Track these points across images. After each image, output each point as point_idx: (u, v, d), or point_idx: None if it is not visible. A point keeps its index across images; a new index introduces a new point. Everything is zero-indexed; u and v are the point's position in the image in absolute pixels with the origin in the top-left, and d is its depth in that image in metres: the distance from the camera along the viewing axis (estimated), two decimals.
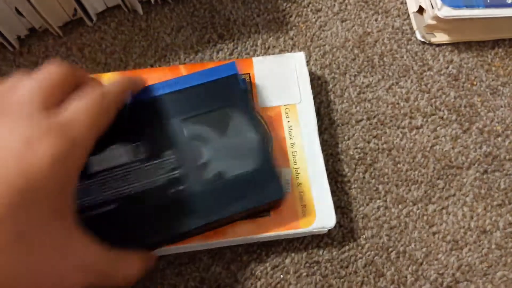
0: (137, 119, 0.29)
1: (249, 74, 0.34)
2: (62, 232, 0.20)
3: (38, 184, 0.19)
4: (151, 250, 0.28)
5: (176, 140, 0.29)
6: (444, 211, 0.33)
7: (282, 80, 0.34)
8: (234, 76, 0.31)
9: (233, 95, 0.30)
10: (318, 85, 0.37)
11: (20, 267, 0.18)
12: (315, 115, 0.33)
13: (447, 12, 0.35)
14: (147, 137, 0.29)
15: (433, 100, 0.37)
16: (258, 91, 0.34)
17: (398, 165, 0.35)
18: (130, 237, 0.26)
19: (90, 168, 0.28)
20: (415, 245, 0.32)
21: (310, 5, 0.40)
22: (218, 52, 0.38)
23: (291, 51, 0.38)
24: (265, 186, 0.28)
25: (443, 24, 0.37)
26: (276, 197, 0.28)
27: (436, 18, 0.36)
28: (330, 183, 0.34)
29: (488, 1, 0.36)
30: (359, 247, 0.32)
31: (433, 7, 0.36)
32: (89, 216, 0.26)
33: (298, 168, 0.32)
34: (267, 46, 0.38)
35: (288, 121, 0.33)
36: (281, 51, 0.38)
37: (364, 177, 0.34)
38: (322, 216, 0.30)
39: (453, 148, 0.35)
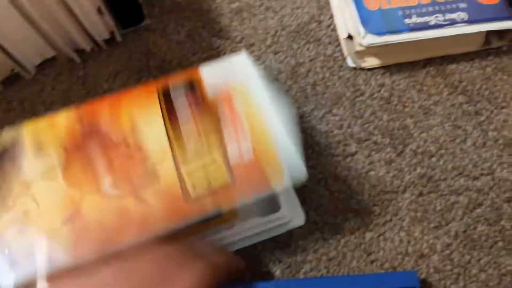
0: None
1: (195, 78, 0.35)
2: None
3: None
4: None
5: None
6: (381, 237, 0.34)
7: (228, 72, 0.35)
8: None
9: None
10: None
11: None
12: (265, 87, 0.33)
13: (371, 39, 0.36)
14: None
15: (366, 125, 0.37)
16: (206, 84, 0.34)
17: (335, 195, 0.35)
18: None
19: None
20: None
21: (244, 40, 0.40)
22: None
23: None
24: None
25: (371, 49, 0.37)
26: None
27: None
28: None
29: (412, 25, 0.37)
30: None
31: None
32: None
33: (259, 135, 0.32)
34: None
35: (240, 100, 0.33)
36: None
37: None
38: (291, 171, 0.30)
39: (387, 172, 0.35)
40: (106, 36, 0.39)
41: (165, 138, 0.32)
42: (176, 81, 0.35)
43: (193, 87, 0.35)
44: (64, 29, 0.36)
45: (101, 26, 0.38)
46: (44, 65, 0.40)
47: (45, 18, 0.35)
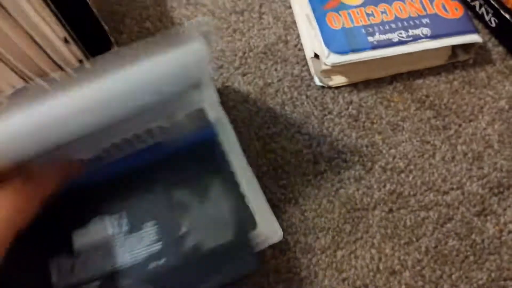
0: (118, 190, 0.30)
1: None
2: None
3: None
4: None
5: (157, 210, 0.29)
6: (352, 255, 0.33)
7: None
8: (213, 139, 0.32)
9: (214, 161, 0.31)
10: None
11: None
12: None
13: (334, 59, 0.36)
14: (129, 209, 0.29)
15: (335, 144, 0.37)
16: None
17: (305, 214, 0.35)
18: None
19: (74, 244, 0.28)
20: None
21: (211, 63, 0.41)
22: None
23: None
24: (241, 258, 0.28)
25: (338, 68, 0.38)
26: (252, 268, 0.29)
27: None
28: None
29: (375, 42, 0.37)
30: None
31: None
32: None
33: None
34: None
35: None
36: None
37: None
38: (265, 227, 0.31)
39: (357, 189, 0.35)
40: (75, 65, 0.40)
41: None
42: None
43: None
44: (31, 60, 0.37)
45: (68, 55, 0.38)
46: (15, 96, 0.40)
47: (11, 51, 0.35)
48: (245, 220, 0.30)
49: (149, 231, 0.29)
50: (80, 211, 0.29)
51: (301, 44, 0.41)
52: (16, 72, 0.37)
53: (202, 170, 0.31)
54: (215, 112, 0.35)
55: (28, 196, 0.26)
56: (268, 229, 0.32)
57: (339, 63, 0.36)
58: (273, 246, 0.34)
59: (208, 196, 0.30)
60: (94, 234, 0.28)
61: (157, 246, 0.28)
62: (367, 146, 0.37)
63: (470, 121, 0.38)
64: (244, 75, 0.40)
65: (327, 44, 0.37)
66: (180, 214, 0.29)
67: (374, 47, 0.37)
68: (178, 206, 0.29)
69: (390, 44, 0.37)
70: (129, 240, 0.28)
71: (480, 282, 0.32)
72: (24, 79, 0.39)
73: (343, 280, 0.33)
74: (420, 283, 0.32)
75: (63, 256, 0.28)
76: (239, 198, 0.30)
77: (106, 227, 0.29)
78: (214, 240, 0.28)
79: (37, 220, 0.24)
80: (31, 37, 0.34)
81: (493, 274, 0.33)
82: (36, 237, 0.27)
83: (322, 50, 0.37)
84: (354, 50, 0.37)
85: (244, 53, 0.41)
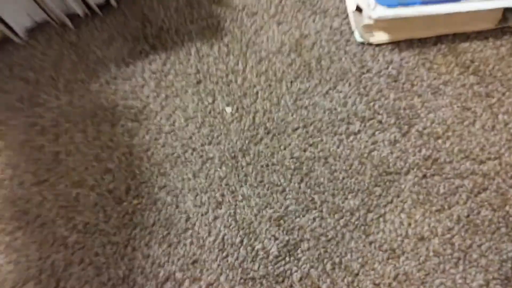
0: None
1: None
2: None
3: None
4: None
5: None
6: (381, 219, 0.33)
7: None
8: None
9: None
10: (254, 93, 0.36)
11: None
12: None
13: (381, 12, 0.34)
14: None
15: (372, 104, 0.35)
16: None
17: (335, 174, 0.34)
18: None
19: None
20: (351, 256, 0.32)
21: (246, 9, 0.38)
22: (150, 64, 0.37)
23: (226, 58, 0.37)
24: None
25: (381, 23, 0.35)
26: None
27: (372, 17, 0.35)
28: (265, 195, 0.33)
29: None
30: (295, 261, 0.32)
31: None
32: None
33: None
34: (201, 55, 0.37)
35: None
36: (215, 59, 0.37)
37: (299, 187, 0.33)
38: None
39: (391, 153, 0.34)
40: (101, 0, 0.37)
41: None
42: None
43: None
44: None
45: None
46: (35, 30, 0.38)
47: None
48: None
49: None
50: None
51: None
52: (39, 4, 0.35)
53: None
54: None
55: None
56: None
57: (385, 17, 0.34)
58: (299, 205, 0.33)
59: None
60: None
61: None
62: (404, 109, 0.35)
63: None
64: (279, 24, 0.38)
65: None
66: None
67: (424, 2, 0.34)
68: None
69: (440, 1, 0.34)
70: None
71: (510, 254, 0.32)
72: (46, 12, 0.36)
73: (370, 243, 0.32)
74: (448, 251, 0.32)
75: None
76: None
77: None
78: None
79: None
80: None
81: None
82: None
83: (368, 2, 0.34)
84: (403, 4, 0.34)
85: (281, 1, 0.38)
